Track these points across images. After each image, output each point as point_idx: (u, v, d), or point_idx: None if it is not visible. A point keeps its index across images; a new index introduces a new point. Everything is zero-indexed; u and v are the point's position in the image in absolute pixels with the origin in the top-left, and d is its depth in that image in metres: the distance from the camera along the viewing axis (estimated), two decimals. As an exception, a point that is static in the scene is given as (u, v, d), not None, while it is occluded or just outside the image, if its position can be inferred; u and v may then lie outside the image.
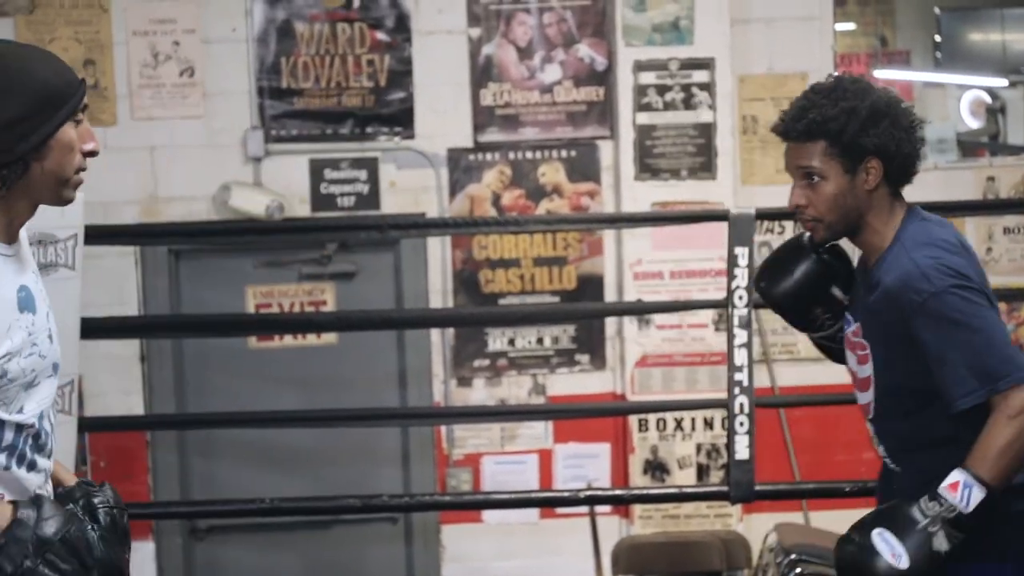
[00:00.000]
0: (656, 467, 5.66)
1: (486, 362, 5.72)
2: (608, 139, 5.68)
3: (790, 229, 5.71)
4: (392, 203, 5.64)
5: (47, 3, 5.50)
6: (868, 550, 2.70)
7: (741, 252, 4.30)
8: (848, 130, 2.79)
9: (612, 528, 5.59)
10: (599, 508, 5.39)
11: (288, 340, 5.69)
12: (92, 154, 2.36)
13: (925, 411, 2.77)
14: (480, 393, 5.72)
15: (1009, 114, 8.61)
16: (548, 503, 5.38)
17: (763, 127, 5.69)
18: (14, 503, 2.26)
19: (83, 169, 2.36)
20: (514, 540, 5.73)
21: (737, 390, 4.32)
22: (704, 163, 5.61)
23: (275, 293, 5.68)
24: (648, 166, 5.60)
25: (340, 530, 5.74)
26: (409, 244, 5.65)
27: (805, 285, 3.04)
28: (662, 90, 5.58)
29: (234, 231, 5.23)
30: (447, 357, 5.70)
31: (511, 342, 5.72)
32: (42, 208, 2.39)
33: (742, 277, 4.30)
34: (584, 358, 5.73)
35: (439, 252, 5.66)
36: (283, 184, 5.59)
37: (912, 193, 2.97)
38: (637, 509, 5.62)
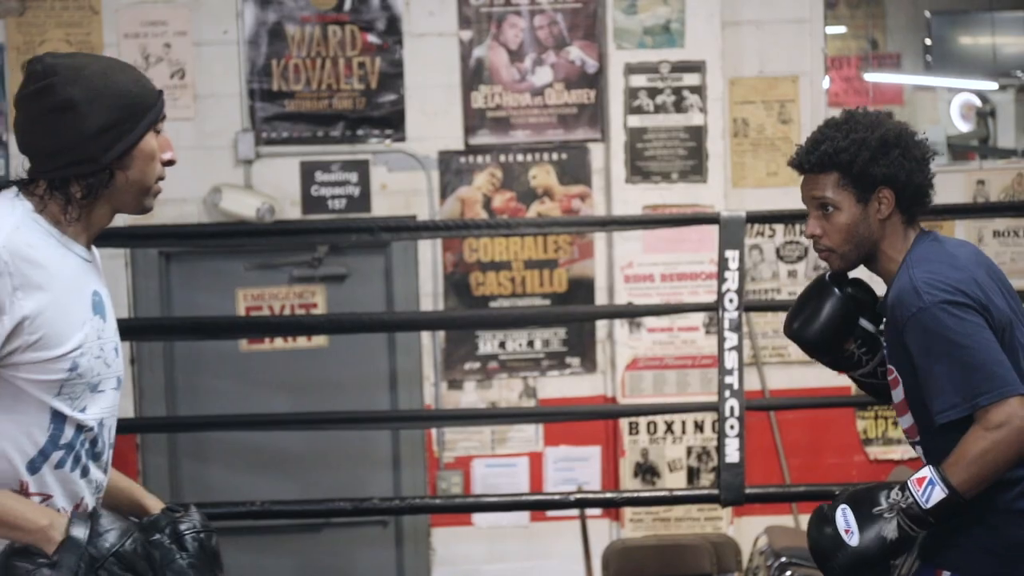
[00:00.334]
0: (646, 470, 5.66)
1: (477, 365, 5.71)
2: (599, 142, 5.68)
3: (780, 232, 5.73)
4: (383, 205, 5.64)
5: (38, 5, 5.49)
6: (827, 521, 2.81)
7: (732, 255, 4.31)
8: (858, 160, 2.86)
9: (603, 531, 5.59)
10: (589, 511, 5.40)
11: (279, 343, 5.69)
12: (171, 163, 2.38)
13: (959, 425, 2.78)
14: (471, 396, 5.72)
15: (999, 117, 8.63)
16: (539, 506, 5.37)
17: (754, 130, 5.71)
18: (70, 519, 2.23)
19: (162, 178, 2.38)
20: (504, 543, 5.73)
21: (727, 393, 4.33)
22: (695, 166, 5.61)
23: (266, 295, 5.68)
24: (639, 169, 5.60)
25: (331, 533, 5.73)
26: (400, 247, 5.65)
27: (834, 320, 3.07)
28: (653, 93, 5.59)
29: (225, 233, 5.22)
30: (438, 360, 5.70)
31: (502, 345, 5.72)
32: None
33: (732, 280, 4.31)
34: (575, 361, 5.73)
35: (430, 255, 5.66)
36: (274, 186, 5.59)
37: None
38: (627, 512, 5.62)
